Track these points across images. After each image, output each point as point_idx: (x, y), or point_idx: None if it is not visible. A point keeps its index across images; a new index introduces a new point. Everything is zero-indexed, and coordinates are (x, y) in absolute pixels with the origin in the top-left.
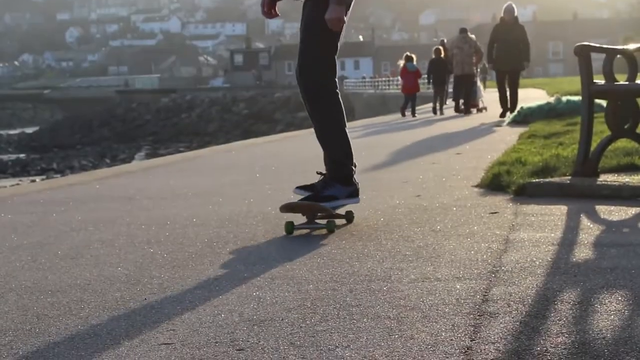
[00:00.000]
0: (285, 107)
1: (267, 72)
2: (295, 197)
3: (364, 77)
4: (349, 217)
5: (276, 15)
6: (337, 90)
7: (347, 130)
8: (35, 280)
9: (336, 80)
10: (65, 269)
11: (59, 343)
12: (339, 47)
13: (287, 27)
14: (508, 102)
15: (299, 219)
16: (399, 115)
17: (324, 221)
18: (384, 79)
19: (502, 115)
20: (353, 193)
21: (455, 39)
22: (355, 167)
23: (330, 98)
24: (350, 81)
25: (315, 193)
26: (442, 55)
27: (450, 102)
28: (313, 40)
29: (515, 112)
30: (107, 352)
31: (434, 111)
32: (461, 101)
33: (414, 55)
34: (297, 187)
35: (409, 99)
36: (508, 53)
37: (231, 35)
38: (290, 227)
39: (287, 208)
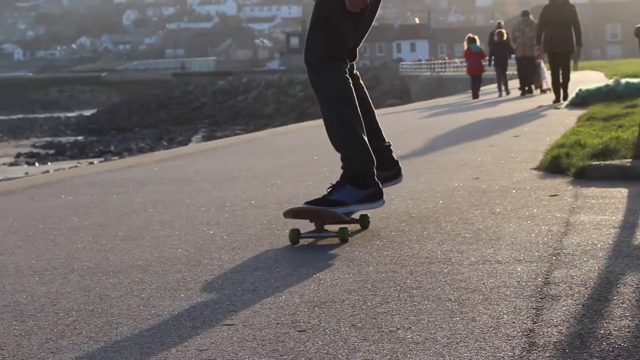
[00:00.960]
0: None
1: None
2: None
3: (419, 60)
4: (364, 222)
5: None
6: (346, 76)
7: (356, 124)
8: (97, 261)
9: (345, 65)
10: (126, 250)
11: (122, 324)
12: (364, 32)
13: None
14: (561, 88)
15: (306, 226)
16: (455, 97)
17: (335, 228)
18: (440, 61)
19: (556, 101)
20: (370, 197)
21: (517, 22)
22: (390, 168)
23: (333, 81)
24: (406, 64)
25: (323, 197)
26: (505, 37)
27: (510, 84)
28: (324, 16)
29: (574, 95)
30: (169, 333)
31: (500, 92)
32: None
33: (476, 37)
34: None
35: (475, 80)
36: (558, 35)
37: (287, 17)
38: (294, 235)
39: (292, 213)
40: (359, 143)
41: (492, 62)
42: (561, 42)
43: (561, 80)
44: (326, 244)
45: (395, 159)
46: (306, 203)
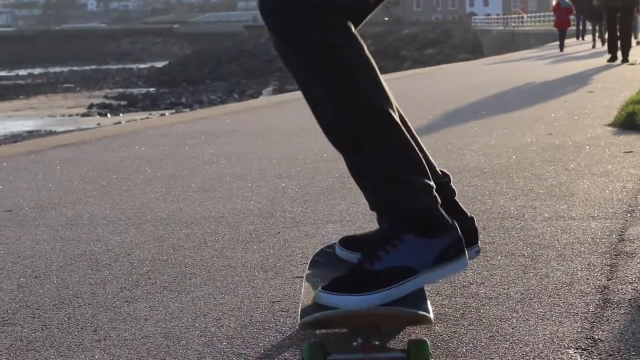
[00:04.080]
0: (413, 44)
1: (395, 8)
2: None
3: (488, 14)
4: (418, 353)
5: None
6: (343, 33)
7: (394, 118)
8: (170, 211)
9: (335, 18)
10: (199, 202)
11: (195, 274)
12: None
13: None
14: (618, 45)
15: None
16: (528, 51)
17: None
18: (514, 16)
19: (611, 60)
20: (453, 249)
21: None
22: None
23: (319, 40)
24: (479, 18)
25: (358, 268)
26: None
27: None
28: None
29: None
30: (242, 284)
31: (594, 43)
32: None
33: None
34: (340, 245)
35: (563, 34)
36: None
37: None
38: (316, 356)
39: (313, 324)
40: (413, 152)
41: (588, 17)
42: None
43: (620, 40)
44: None
45: (464, 208)
46: (325, 289)
